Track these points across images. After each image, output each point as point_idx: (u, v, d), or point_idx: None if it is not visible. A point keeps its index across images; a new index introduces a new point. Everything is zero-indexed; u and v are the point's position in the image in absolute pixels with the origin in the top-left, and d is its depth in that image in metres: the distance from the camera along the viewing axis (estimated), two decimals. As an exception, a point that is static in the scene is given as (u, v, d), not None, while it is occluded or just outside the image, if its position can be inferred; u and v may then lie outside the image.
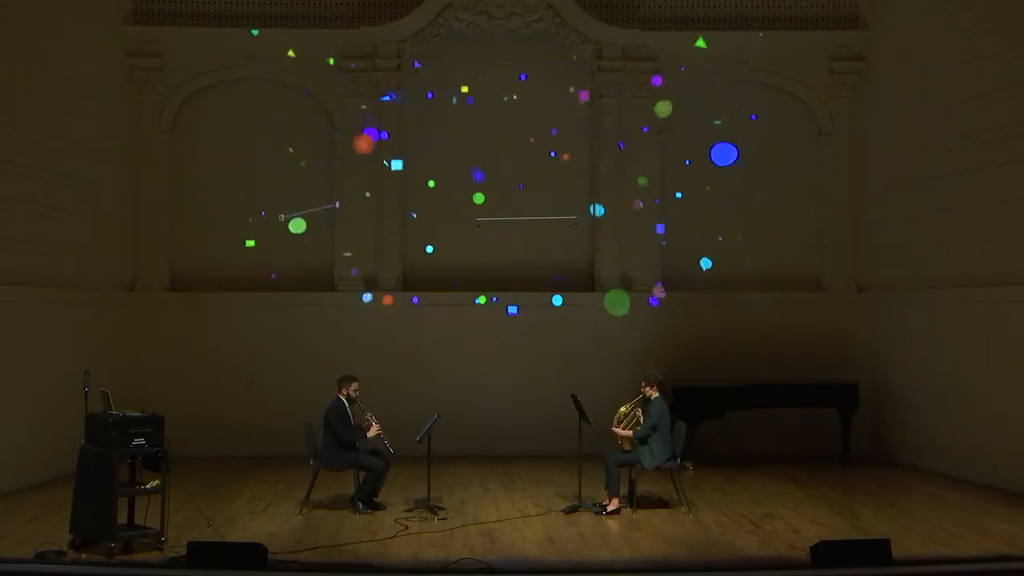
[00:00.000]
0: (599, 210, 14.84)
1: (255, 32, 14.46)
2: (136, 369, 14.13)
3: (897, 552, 8.23)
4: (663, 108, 14.16)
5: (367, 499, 10.63)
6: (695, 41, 14.40)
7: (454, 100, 14.81)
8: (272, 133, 14.91)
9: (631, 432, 10.74)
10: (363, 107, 14.82)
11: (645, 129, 14.96)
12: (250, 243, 14.44)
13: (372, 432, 10.73)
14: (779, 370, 14.41)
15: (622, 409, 10.98)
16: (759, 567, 8.60)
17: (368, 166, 14.79)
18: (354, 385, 10.92)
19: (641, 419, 10.82)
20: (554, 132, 14.90)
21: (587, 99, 14.89)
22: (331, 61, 14.68)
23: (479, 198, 14.14)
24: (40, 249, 12.43)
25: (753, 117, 15.09)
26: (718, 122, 14.73)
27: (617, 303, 13.78)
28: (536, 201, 14.88)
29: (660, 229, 14.95)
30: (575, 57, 14.95)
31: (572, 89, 14.88)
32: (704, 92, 15.21)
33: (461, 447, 13.93)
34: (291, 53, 14.42)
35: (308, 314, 14.67)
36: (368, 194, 14.80)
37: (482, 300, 14.52)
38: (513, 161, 14.88)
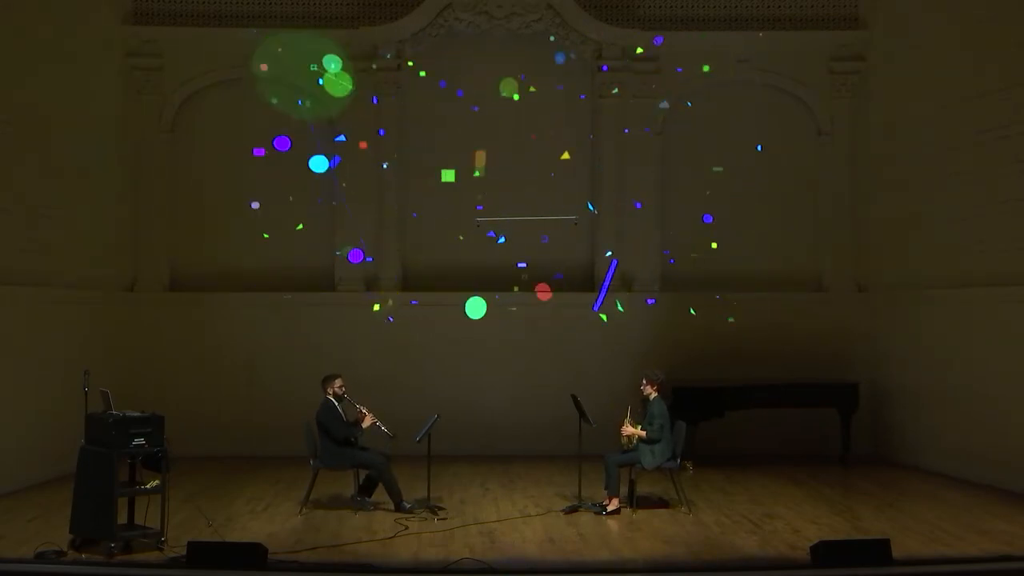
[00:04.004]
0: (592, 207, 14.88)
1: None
2: (136, 369, 14.12)
3: (897, 552, 8.22)
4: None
5: (368, 493, 10.69)
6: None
7: (454, 99, 14.84)
8: (272, 133, 14.89)
9: (644, 432, 10.63)
10: (360, 110, 14.81)
11: (647, 130, 14.98)
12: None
13: (367, 422, 10.72)
14: (779, 370, 14.42)
15: (631, 430, 10.79)
16: (759, 567, 8.60)
17: (368, 166, 14.81)
18: (338, 382, 10.90)
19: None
20: (554, 133, 14.93)
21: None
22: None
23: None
24: (40, 249, 12.42)
25: (753, 117, 15.14)
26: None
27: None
28: (536, 201, 14.89)
29: (660, 230, 14.98)
30: (573, 55, 14.94)
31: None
32: (704, 92, 15.21)
33: (461, 447, 13.92)
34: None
35: (308, 314, 14.67)
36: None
37: (477, 312, 14.37)
38: (513, 161, 14.88)
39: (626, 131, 15.01)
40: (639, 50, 14.86)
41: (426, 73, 14.89)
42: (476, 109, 14.76)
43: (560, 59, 14.66)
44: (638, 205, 14.87)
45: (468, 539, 9.41)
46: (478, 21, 14.88)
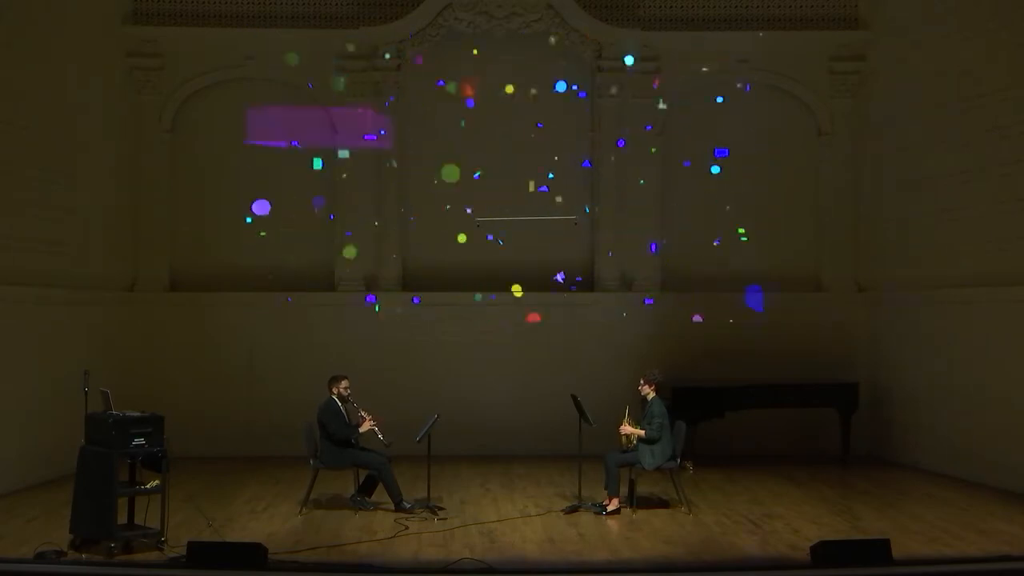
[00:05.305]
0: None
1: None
2: (136, 369, 14.09)
3: (897, 552, 8.21)
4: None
5: (368, 493, 10.69)
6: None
7: (454, 99, 14.84)
8: (272, 133, 14.91)
9: (643, 431, 10.61)
10: (359, 110, 14.81)
11: (649, 128, 14.98)
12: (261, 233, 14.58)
13: (364, 427, 10.71)
14: (779, 370, 14.40)
15: (630, 430, 10.79)
16: (759, 567, 8.61)
17: (368, 166, 14.81)
18: (344, 383, 10.89)
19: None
20: (554, 133, 14.94)
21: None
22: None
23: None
24: (40, 249, 12.42)
25: (753, 117, 15.15)
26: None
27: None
28: (536, 201, 14.89)
29: (659, 229, 14.98)
30: (572, 55, 14.95)
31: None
32: (704, 92, 15.20)
33: (461, 447, 13.91)
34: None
35: (308, 314, 14.67)
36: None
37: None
38: (513, 161, 14.88)
39: (626, 131, 15.00)
40: (638, 52, 14.86)
41: (426, 73, 14.90)
42: (474, 107, 14.78)
43: (559, 60, 14.72)
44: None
45: (468, 539, 9.41)
46: (478, 21, 14.87)
